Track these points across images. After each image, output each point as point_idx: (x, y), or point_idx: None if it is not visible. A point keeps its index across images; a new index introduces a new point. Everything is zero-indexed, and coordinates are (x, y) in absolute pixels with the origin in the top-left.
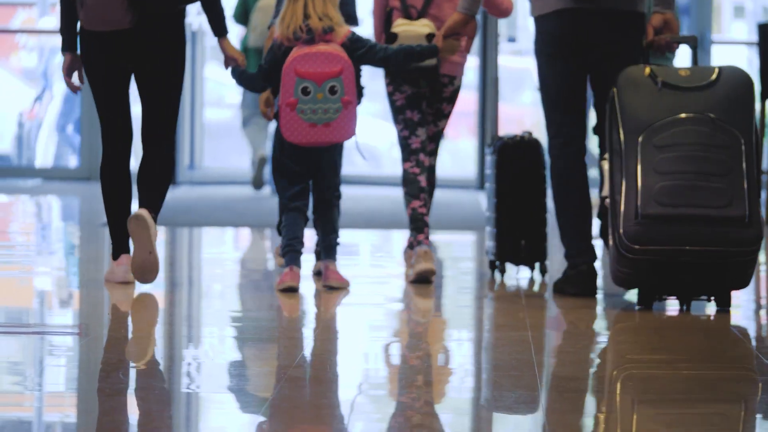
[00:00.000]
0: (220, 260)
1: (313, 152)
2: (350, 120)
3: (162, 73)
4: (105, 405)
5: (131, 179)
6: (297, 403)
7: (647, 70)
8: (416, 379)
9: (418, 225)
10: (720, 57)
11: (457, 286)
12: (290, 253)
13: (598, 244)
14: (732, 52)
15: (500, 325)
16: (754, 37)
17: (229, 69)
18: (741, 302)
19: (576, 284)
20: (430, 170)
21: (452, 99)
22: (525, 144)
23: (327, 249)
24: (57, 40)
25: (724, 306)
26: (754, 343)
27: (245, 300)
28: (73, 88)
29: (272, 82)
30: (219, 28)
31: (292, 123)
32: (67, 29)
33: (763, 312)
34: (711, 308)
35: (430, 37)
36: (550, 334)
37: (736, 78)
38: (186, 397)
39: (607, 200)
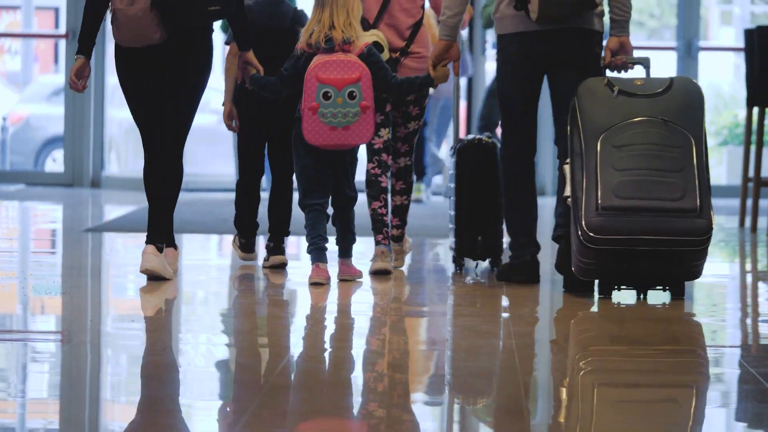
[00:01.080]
0: (203, 267)
1: (331, 155)
2: (368, 124)
3: (186, 86)
4: (89, 412)
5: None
6: (279, 410)
7: (605, 80)
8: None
9: (377, 226)
10: (707, 63)
11: (420, 278)
12: (315, 250)
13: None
14: (719, 58)
15: (462, 314)
16: (741, 43)
17: (250, 77)
18: (693, 292)
19: (521, 272)
20: (406, 170)
21: (418, 102)
22: (482, 146)
23: (344, 248)
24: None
25: (677, 295)
26: (705, 331)
27: (229, 306)
28: (78, 90)
29: (292, 88)
30: (243, 42)
31: (313, 126)
32: (86, 36)
33: (714, 302)
34: (665, 297)
35: (375, 44)
36: (512, 325)
37: (688, 87)
38: (172, 404)
39: (569, 200)
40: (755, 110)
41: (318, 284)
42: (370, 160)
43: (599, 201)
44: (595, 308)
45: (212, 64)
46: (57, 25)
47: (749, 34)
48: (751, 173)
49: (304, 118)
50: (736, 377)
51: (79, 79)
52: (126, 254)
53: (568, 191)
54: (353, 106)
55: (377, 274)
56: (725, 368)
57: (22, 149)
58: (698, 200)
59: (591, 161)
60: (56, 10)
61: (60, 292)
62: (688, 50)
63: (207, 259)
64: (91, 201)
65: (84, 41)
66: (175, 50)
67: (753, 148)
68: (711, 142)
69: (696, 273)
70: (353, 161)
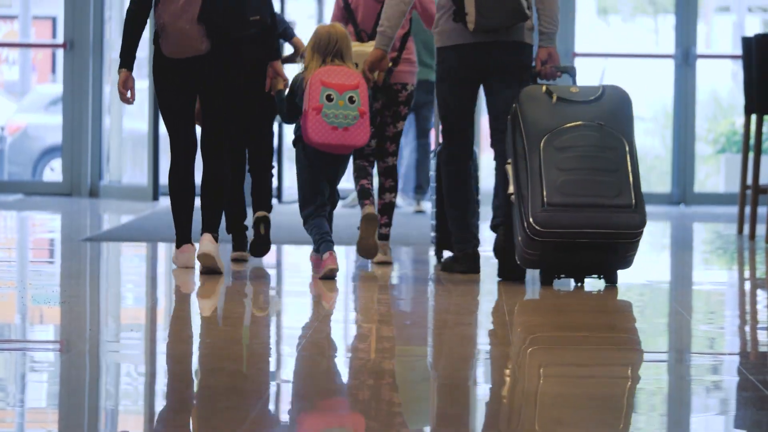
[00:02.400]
0: (195, 275)
1: (331, 162)
2: (365, 128)
3: (228, 89)
4: (88, 422)
5: (195, 185)
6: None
7: (543, 88)
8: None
9: (365, 194)
10: (705, 71)
11: (403, 270)
12: (325, 242)
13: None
14: (717, 66)
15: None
16: (739, 51)
17: (278, 93)
18: (625, 279)
19: (464, 263)
20: (394, 168)
21: (407, 102)
22: None
23: (329, 242)
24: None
25: (611, 283)
26: (703, 339)
27: (226, 315)
28: (128, 101)
29: (299, 109)
30: (273, 53)
31: (317, 125)
32: (129, 50)
33: (712, 310)
34: (600, 285)
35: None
36: (464, 311)
37: (618, 94)
38: (172, 414)
39: (513, 197)
40: (753, 118)
41: (333, 272)
42: (358, 158)
43: (545, 198)
44: (537, 295)
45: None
46: (55, 35)
47: (747, 41)
48: (749, 181)
49: (308, 119)
50: (735, 384)
51: (126, 90)
52: (125, 263)
53: (512, 189)
54: (353, 110)
55: (379, 264)
56: (724, 376)
57: (20, 159)
58: (633, 197)
59: (534, 162)
60: (54, 20)
61: (59, 302)
62: (686, 58)
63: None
64: (89, 210)
65: (126, 55)
66: (219, 59)
67: (751, 155)
68: (709, 149)
69: (629, 262)
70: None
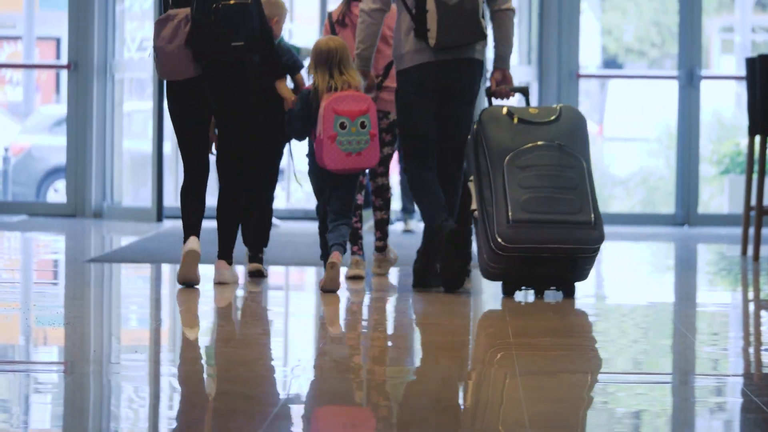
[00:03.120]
0: (209, 297)
1: (342, 180)
2: (375, 149)
3: (236, 112)
4: None
5: (205, 203)
6: None
7: (504, 109)
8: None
9: (353, 238)
10: (709, 92)
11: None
12: (340, 245)
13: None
14: (721, 86)
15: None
16: (743, 71)
17: (288, 111)
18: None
19: (417, 278)
20: (384, 188)
21: (389, 130)
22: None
23: (339, 246)
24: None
25: (569, 295)
26: (707, 360)
27: (234, 337)
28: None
29: (311, 123)
30: (275, 73)
31: (332, 153)
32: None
33: (716, 331)
34: (559, 296)
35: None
36: (430, 317)
37: (573, 115)
38: None
39: (476, 212)
40: (757, 139)
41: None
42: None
43: (510, 215)
44: (499, 306)
45: (251, 93)
46: (58, 56)
47: (751, 62)
48: (753, 202)
49: (324, 147)
50: (738, 406)
51: None
52: (129, 284)
53: (474, 205)
54: (364, 134)
55: (352, 279)
56: (728, 397)
57: (25, 180)
58: (592, 214)
59: (498, 180)
60: (57, 41)
61: (63, 323)
62: (690, 79)
63: (207, 291)
64: (93, 231)
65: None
66: (223, 81)
67: (755, 176)
68: (713, 170)
69: (586, 275)
70: (355, 185)
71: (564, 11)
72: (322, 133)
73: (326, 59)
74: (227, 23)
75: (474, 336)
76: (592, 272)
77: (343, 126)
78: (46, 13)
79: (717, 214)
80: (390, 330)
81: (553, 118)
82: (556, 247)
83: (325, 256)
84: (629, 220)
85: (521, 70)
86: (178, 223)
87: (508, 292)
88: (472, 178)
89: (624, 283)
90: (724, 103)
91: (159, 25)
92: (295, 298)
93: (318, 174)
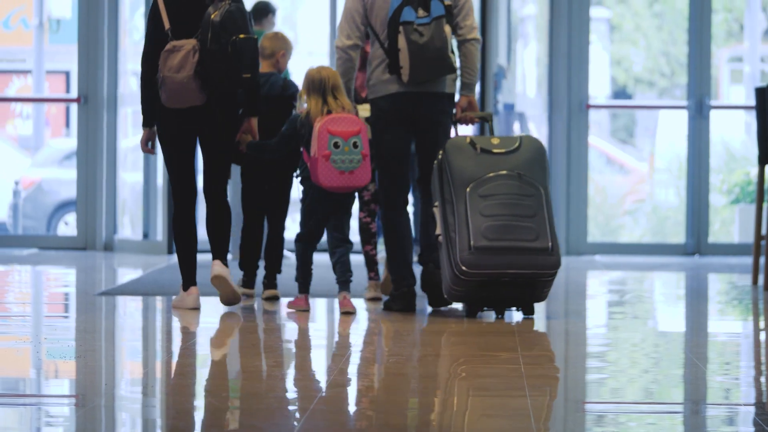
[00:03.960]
0: (215, 328)
1: (338, 203)
2: (367, 169)
3: (223, 137)
4: None
5: (196, 227)
6: None
7: (468, 139)
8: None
9: (370, 264)
10: (719, 121)
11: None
12: (345, 282)
13: (416, 271)
14: (730, 116)
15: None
16: (752, 101)
17: (248, 144)
18: (540, 311)
19: (401, 302)
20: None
21: None
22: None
23: (344, 283)
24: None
25: (529, 314)
26: (718, 390)
27: (241, 368)
28: (149, 153)
29: (288, 145)
30: (253, 109)
31: (326, 171)
32: (147, 109)
33: (727, 360)
34: (519, 316)
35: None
36: (398, 339)
37: (533, 145)
38: None
39: (440, 237)
40: (767, 168)
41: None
42: (361, 209)
43: (471, 241)
44: (464, 325)
45: (237, 120)
46: (68, 89)
47: (760, 92)
48: (764, 231)
49: (318, 165)
50: None
51: (147, 146)
52: (140, 318)
53: (438, 230)
54: (357, 154)
55: (371, 300)
56: (740, 427)
57: (35, 213)
58: (549, 241)
59: (461, 207)
60: (67, 74)
61: (74, 356)
62: (699, 109)
63: (219, 320)
64: (104, 264)
65: (146, 115)
66: (212, 110)
67: (765, 205)
68: (723, 200)
69: (544, 297)
70: (349, 212)
71: (573, 42)
72: (317, 152)
73: (319, 86)
74: (240, 55)
75: (440, 351)
76: (602, 302)
77: (336, 145)
78: (55, 47)
79: (727, 243)
80: (393, 362)
81: (513, 147)
82: (515, 273)
83: (303, 279)
84: (639, 249)
85: (528, 101)
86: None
87: (470, 313)
88: (437, 203)
89: (634, 313)
90: (734, 133)
91: (165, 56)
92: (309, 328)
93: (313, 202)
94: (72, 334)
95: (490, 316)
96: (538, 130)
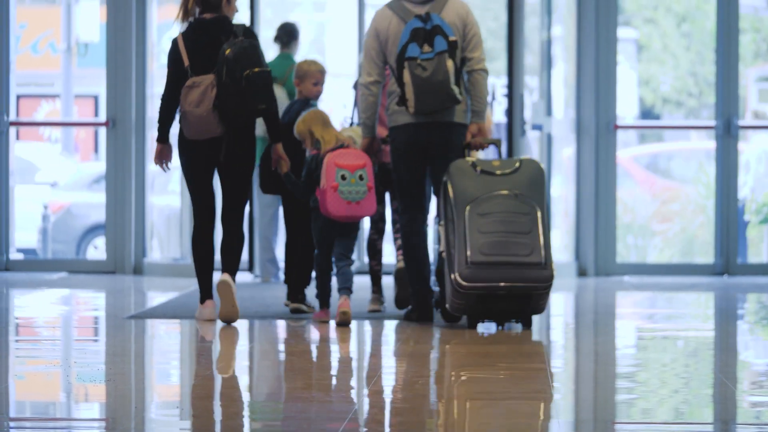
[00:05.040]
0: (243, 352)
1: (345, 229)
2: (373, 200)
3: (240, 166)
4: None
5: (214, 245)
6: None
7: (470, 161)
8: None
9: (374, 279)
10: (748, 141)
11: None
12: (342, 289)
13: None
14: (758, 135)
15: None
16: None
17: (285, 175)
18: (538, 323)
19: (419, 313)
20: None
21: (387, 186)
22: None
23: (345, 289)
24: None
25: (527, 326)
26: (750, 410)
27: (274, 391)
28: (163, 169)
29: (312, 190)
30: (275, 136)
31: (335, 201)
32: (164, 125)
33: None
34: (518, 327)
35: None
36: (404, 348)
37: (533, 167)
38: None
39: (444, 253)
40: None
41: (324, 322)
42: (371, 228)
43: (469, 257)
44: (466, 336)
45: (255, 151)
46: (97, 113)
47: None
48: None
49: (327, 196)
50: None
51: (161, 161)
52: (170, 340)
53: (443, 247)
54: (362, 186)
55: (372, 312)
56: None
57: (64, 237)
58: (543, 256)
59: (460, 226)
60: (95, 98)
61: (104, 380)
62: (727, 129)
63: (243, 343)
64: (133, 288)
65: (162, 131)
66: (230, 140)
67: None
68: (752, 220)
69: (541, 309)
70: (354, 238)
71: (601, 63)
72: (326, 184)
73: (323, 121)
74: (254, 88)
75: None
76: (632, 322)
77: (343, 177)
78: (83, 71)
79: (757, 263)
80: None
81: (513, 169)
82: (510, 285)
83: (322, 296)
84: (668, 270)
85: (556, 122)
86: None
87: (471, 324)
88: (441, 222)
89: (664, 333)
90: (763, 152)
91: (186, 91)
92: (336, 349)
93: (322, 225)
94: (102, 357)
95: (491, 327)
96: (566, 150)
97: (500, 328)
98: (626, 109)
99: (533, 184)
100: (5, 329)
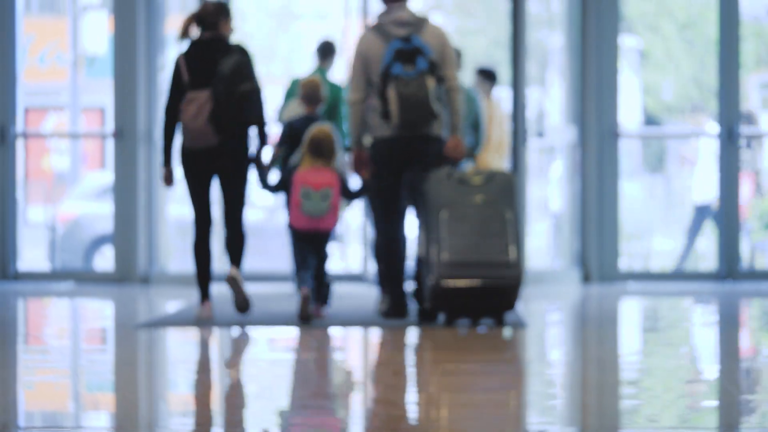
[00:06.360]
0: (257, 360)
1: (311, 238)
2: (334, 216)
3: (236, 175)
4: None
5: (212, 251)
6: None
7: (446, 171)
8: None
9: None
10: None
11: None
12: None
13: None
14: (761, 144)
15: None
16: None
17: (259, 180)
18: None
19: (395, 310)
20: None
21: None
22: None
23: (322, 297)
24: None
25: (499, 323)
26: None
27: (292, 400)
28: (170, 185)
29: (285, 189)
30: (261, 145)
31: (297, 214)
32: (167, 149)
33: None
34: (490, 324)
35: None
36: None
37: (504, 177)
38: None
39: (421, 256)
40: None
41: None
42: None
43: (443, 257)
44: (443, 332)
45: (248, 158)
46: (104, 124)
47: None
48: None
49: (292, 209)
50: None
51: (169, 181)
52: (178, 350)
53: (421, 251)
54: (326, 203)
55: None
56: None
57: (72, 247)
58: (509, 256)
59: (437, 230)
60: (102, 110)
61: (113, 389)
62: (729, 136)
63: (260, 352)
64: (141, 297)
65: (166, 155)
66: (226, 149)
67: None
68: (755, 225)
69: (512, 305)
70: (327, 247)
71: (604, 71)
72: (292, 199)
73: (316, 147)
74: (246, 101)
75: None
76: (635, 329)
77: (307, 195)
78: (89, 82)
79: (760, 269)
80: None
81: (486, 179)
82: (481, 282)
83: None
84: (670, 276)
85: (559, 130)
86: (224, 288)
87: (448, 322)
88: (420, 227)
89: (668, 339)
90: (765, 159)
91: (185, 106)
92: (344, 357)
93: (293, 239)
94: (110, 366)
95: (466, 324)
96: (569, 158)
97: (474, 325)
98: (630, 117)
99: (504, 191)
100: (14, 339)
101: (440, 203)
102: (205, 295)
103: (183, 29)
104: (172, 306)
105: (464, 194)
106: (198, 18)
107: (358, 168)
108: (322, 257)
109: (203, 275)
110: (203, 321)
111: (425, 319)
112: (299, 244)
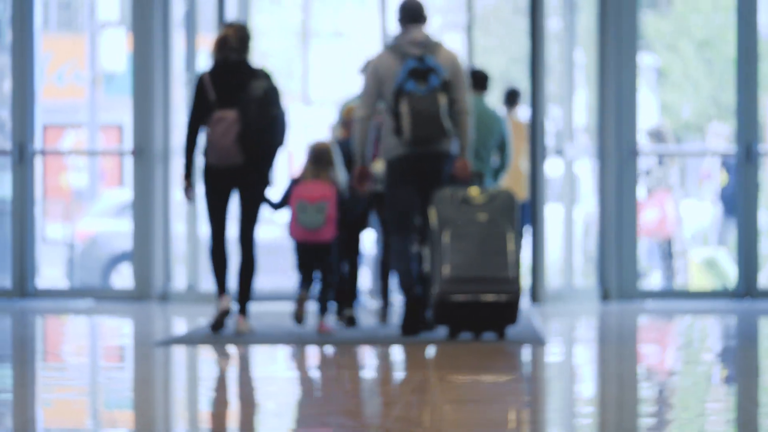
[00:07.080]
0: (270, 378)
1: (310, 249)
2: (331, 228)
3: (256, 193)
4: None
5: (227, 257)
6: None
7: (452, 191)
8: None
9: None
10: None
11: None
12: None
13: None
14: None
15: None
16: None
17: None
18: (511, 332)
19: (409, 324)
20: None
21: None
22: None
23: (323, 310)
24: None
25: (501, 336)
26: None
27: (297, 416)
28: (191, 199)
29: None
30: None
31: (294, 226)
32: (189, 165)
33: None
34: (492, 337)
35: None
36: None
37: (507, 197)
38: None
39: (428, 271)
40: None
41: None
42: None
43: (446, 273)
44: (460, 349)
45: (268, 178)
46: (122, 142)
47: None
48: None
49: (291, 222)
50: None
51: (189, 196)
52: (197, 367)
53: (428, 266)
54: (321, 216)
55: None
56: None
57: (91, 265)
58: (510, 273)
59: (441, 246)
60: (120, 128)
61: (131, 407)
62: (748, 154)
63: (274, 371)
64: (160, 315)
65: (188, 171)
66: (249, 168)
67: None
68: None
69: (513, 319)
70: (331, 258)
71: (623, 89)
72: (290, 211)
73: (315, 158)
74: (277, 126)
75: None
76: (654, 346)
77: (303, 208)
78: (108, 99)
79: None
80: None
81: (489, 198)
82: (482, 297)
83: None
84: (689, 294)
85: (578, 147)
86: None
87: (452, 335)
88: (426, 244)
89: (687, 357)
90: None
91: (213, 125)
92: (362, 373)
93: (296, 250)
94: (129, 384)
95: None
96: (588, 176)
97: (477, 337)
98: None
99: (506, 210)
100: (33, 356)
101: (445, 221)
102: (222, 288)
103: (215, 49)
104: (190, 323)
105: (467, 212)
106: (223, 40)
107: (358, 182)
108: (326, 268)
109: (220, 271)
110: (223, 313)
111: (453, 334)
112: (300, 255)
